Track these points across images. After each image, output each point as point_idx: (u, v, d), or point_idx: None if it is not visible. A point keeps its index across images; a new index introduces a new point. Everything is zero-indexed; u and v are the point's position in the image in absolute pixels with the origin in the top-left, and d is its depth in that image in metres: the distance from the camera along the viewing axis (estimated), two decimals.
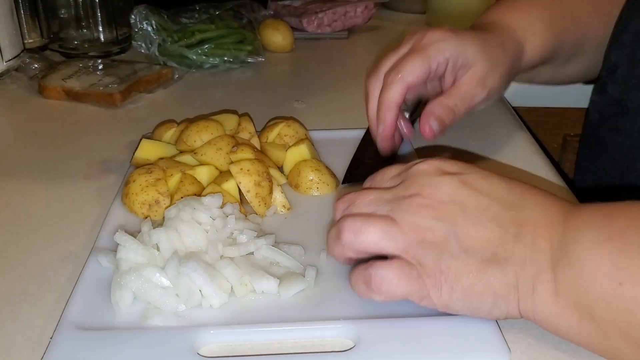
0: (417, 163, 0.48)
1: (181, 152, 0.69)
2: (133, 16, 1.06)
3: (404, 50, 0.65)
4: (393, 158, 0.73)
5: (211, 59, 1.06)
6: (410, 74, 0.61)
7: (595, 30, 0.73)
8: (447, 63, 0.62)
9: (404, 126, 0.66)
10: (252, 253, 0.54)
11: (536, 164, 0.72)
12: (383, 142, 0.65)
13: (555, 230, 0.43)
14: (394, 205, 0.46)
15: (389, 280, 0.45)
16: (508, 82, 0.67)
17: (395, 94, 0.62)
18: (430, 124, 0.61)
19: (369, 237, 0.46)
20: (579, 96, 0.87)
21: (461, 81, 0.63)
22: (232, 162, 0.64)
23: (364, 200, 0.48)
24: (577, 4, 0.73)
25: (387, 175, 0.50)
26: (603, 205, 0.43)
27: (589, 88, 0.76)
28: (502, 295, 0.44)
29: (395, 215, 0.46)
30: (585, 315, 0.41)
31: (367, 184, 0.52)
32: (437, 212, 0.45)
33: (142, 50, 1.07)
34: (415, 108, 0.82)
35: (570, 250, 0.41)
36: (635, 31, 0.67)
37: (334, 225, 0.49)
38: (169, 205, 0.60)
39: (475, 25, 0.71)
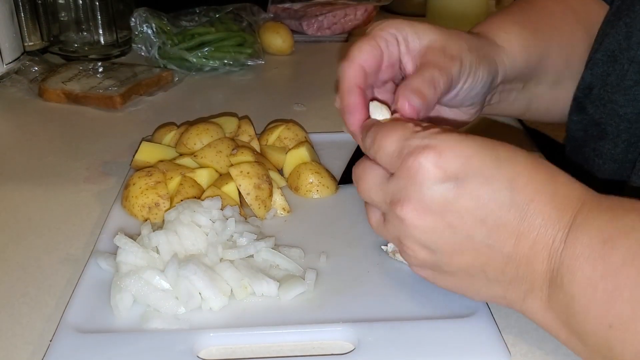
0: (416, 153, 0.43)
1: (181, 154, 0.69)
2: (133, 19, 1.06)
3: None
4: None
5: (211, 62, 1.06)
6: (357, 53, 0.55)
7: (584, 46, 0.69)
8: (397, 41, 0.56)
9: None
10: (252, 256, 0.54)
11: None
12: (351, 127, 0.55)
13: (554, 252, 0.41)
14: (389, 210, 0.46)
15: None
16: (487, 67, 0.58)
17: (348, 73, 0.55)
18: (408, 99, 0.50)
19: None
20: None
21: (424, 56, 0.55)
22: (232, 165, 0.65)
23: (365, 188, 0.48)
24: (556, 16, 0.69)
25: (387, 149, 0.46)
26: (606, 226, 0.40)
27: None
28: (487, 298, 0.47)
29: (388, 226, 0.47)
30: (573, 335, 0.42)
31: (369, 144, 0.48)
32: (423, 235, 0.44)
33: (142, 53, 1.07)
34: None
35: (565, 279, 0.40)
36: (608, 50, 0.64)
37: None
38: (169, 208, 0.60)
39: None
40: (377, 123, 0.49)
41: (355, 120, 0.53)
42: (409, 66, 0.56)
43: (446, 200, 0.42)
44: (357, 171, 0.49)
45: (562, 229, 0.41)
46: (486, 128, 0.84)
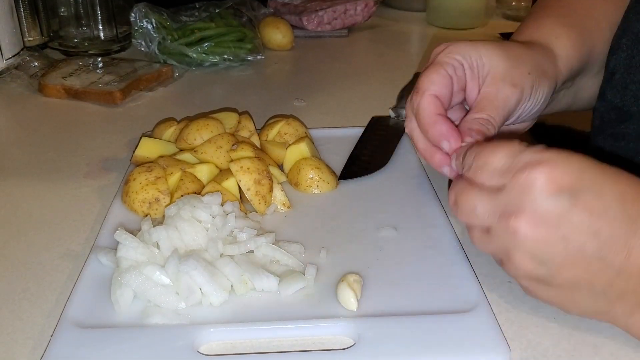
0: (530, 167, 0.43)
1: (181, 150, 0.69)
2: (133, 14, 1.06)
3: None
4: (391, 151, 0.73)
5: (211, 57, 1.06)
6: (428, 85, 0.57)
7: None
8: (463, 66, 0.58)
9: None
10: (252, 251, 0.54)
11: None
12: (450, 151, 0.56)
13: None
14: (498, 223, 0.45)
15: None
16: (547, 83, 0.61)
17: (424, 106, 0.56)
18: (471, 136, 0.55)
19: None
20: None
21: (485, 86, 0.58)
22: (232, 160, 0.64)
23: (468, 206, 0.47)
24: (597, 9, 0.69)
25: (493, 165, 0.46)
26: None
27: None
28: (589, 313, 0.46)
29: (495, 240, 0.46)
30: None
31: (470, 163, 0.48)
32: (535, 247, 0.44)
33: (142, 49, 1.07)
34: None
35: None
36: (634, 35, 0.64)
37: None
38: (169, 204, 0.60)
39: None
40: (478, 143, 0.50)
41: (452, 145, 0.54)
42: (473, 92, 0.59)
43: (560, 213, 0.42)
44: (456, 190, 0.48)
45: None
46: None
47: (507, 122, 0.60)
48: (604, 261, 0.43)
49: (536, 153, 0.44)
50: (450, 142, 0.55)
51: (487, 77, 0.58)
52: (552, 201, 0.42)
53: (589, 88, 0.71)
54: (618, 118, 0.65)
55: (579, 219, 0.42)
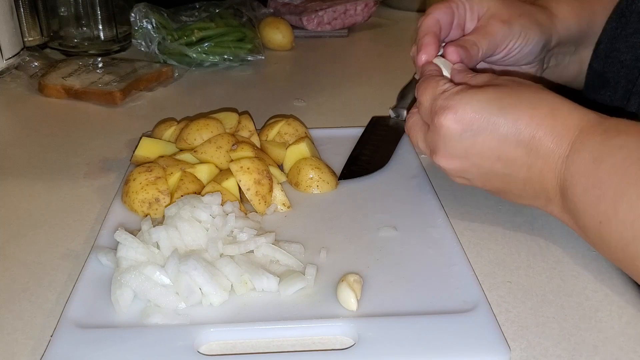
0: (439, 112, 0.56)
1: (181, 150, 0.69)
2: (133, 14, 1.06)
3: None
4: (391, 151, 0.73)
5: (211, 57, 1.06)
6: (434, 10, 0.70)
7: None
8: (465, 7, 0.70)
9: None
10: (252, 251, 0.54)
11: None
12: (418, 62, 0.70)
13: (558, 172, 0.52)
14: (429, 156, 0.59)
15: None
16: (538, 30, 0.70)
17: (426, 22, 0.69)
18: (454, 49, 0.66)
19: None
20: None
21: (479, 22, 0.70)
22: (232, 160, 0.64)
23: (414, 140, 0.62)
24: None
25: (424, 104, 0.59)
26: (597, 147, 0.50)
27: None
28: (522, 204, 0.58)
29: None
30: (581, 230, 0.53)
31: (419, 90, 0.60)
32: (458, 172, 0.58)
33: (142, 49, 1.07)
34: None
35: (569, 191, 0.51)
36: (620, 10, 0.70)
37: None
38: (169, 204, 0.60)
39: None
40: (425, 76, 0.62)
41: (423, 55, 0.67)
42: (469, 27, 0.72)
43: (467, 147, 0.55)
44: (407, 124, 0.63)
45: (561, 154, 0.52)
46: None
47: (500, 57, 0.70)
48: (511, 176, 0.55)
49: (447, 99, 0.56)
50: (423, 51, 0.67)
51: (483, 16, 0.70)
52: (458, 140, 0.55)
53: (585, 58, 0.78)
54: (599, 84, 0.72)
55: (482, 149, 0.55)
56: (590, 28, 0.75)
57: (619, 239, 0.48)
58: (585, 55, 0.77)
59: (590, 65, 0.75)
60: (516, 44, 0.69)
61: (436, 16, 0.68)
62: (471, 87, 0.56)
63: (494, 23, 0.68)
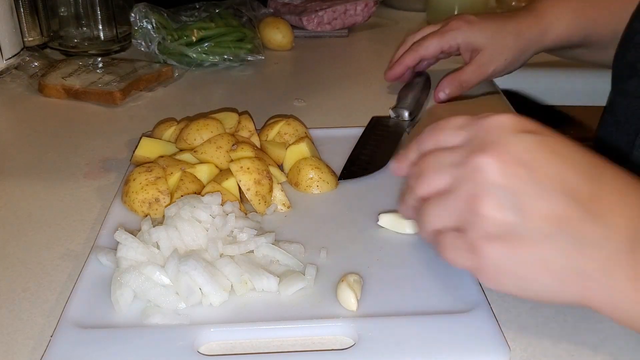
0: (492, 114, 0.44)
1: (181, 150, 0.69)
2: (133, 14, 1.06)
3: (434, 28, 0.89)
4: (391, 151, 0.73)
5: (211, 57, 1.06)
6: (424, 50, 0.87)
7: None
8: (459, 47, 0.85)
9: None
10: (252, 251, 0.54)
11: None
12: (391, 71, 0.92)
13: (637, 211, 0.40)
14: (459, 174, 0.43)
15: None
16: (521, 59, 0.86)
17: (407, 58, 0.89)
18: (441, 92, 0.87)
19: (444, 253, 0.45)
20: None
21: (471, 61, 0.85)
22: (232, 160, 0.64)
23: (429, 173, 0.46)
24: None
25: (453, 125, 0.46)
26: None
27: None
28: (562, 277, 0.40)
29: (457, 188, 0.43)
30: None
31: (429, 134, 0.48)
32: (502, 179, 0.41)
33: (142, 49, 1.07)
34: (415, 105, 0.83)
35: None
36: None
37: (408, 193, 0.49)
38: (169, 204, 0.60)
39: (516, 8, 0.92)
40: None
41: (391, 74, 0.91)
42: (465, 57, 0.87)
43: (529, 146, 0.42)
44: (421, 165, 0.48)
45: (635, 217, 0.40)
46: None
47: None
48: (577, 202, 0.40)
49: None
50: (392, 73, 0.91)
51: (475, 58, 0.85)
52: (517, 138, 0.42)
53: (586, 57, 0.89)
54: (628, 74, 0.72)
55: (545, 159, 0.41)
56: (586, 39, 0.84)
57: None
58: (579, 52, 0.87)
59: (618, 55, 0.74)
60: (503, 73, 0.86)
61: (421, 54, 0.87)
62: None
63: (482, 62, 0.84)
